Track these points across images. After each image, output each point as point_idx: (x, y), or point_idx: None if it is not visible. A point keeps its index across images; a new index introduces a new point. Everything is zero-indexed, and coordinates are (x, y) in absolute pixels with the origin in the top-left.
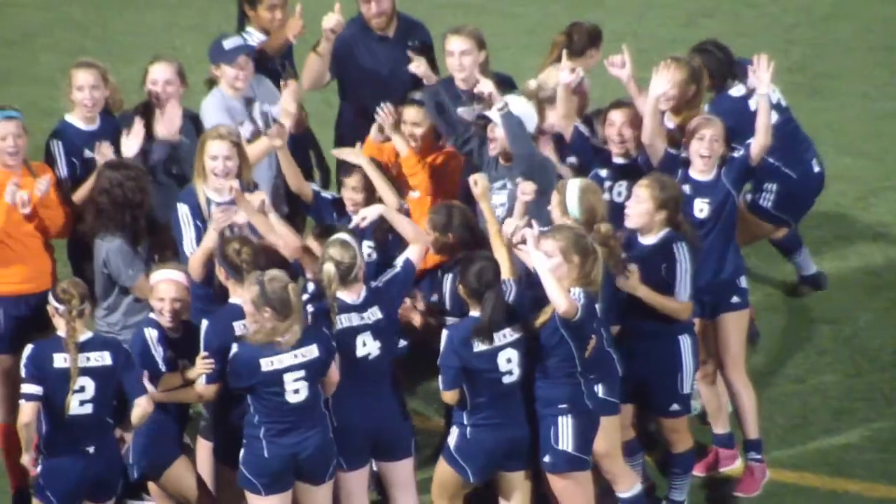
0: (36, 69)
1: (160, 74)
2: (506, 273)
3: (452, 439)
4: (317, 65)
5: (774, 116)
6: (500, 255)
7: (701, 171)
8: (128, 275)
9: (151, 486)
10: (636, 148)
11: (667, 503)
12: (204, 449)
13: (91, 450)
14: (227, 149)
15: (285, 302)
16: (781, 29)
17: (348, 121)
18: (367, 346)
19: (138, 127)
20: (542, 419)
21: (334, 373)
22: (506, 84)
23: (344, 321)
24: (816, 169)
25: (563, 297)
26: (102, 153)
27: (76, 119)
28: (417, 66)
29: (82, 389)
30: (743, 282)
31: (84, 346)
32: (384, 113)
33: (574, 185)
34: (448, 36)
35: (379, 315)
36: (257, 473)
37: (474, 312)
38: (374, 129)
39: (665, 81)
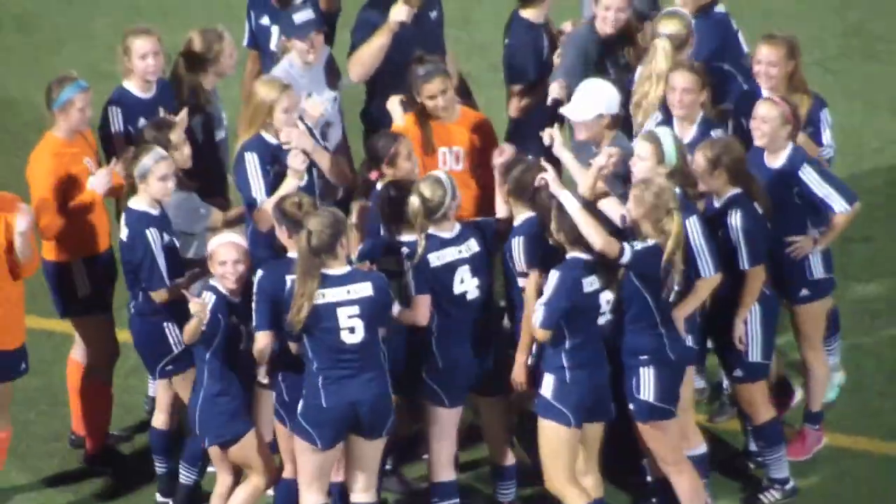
0: (92, 28)
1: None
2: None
3: (548, 389)
4: (374, 57)
5: None
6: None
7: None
8: (200, 214)
9: (212, 451)
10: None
11: (768, 483)
12: (263, 393)
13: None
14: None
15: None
16: None
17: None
18: (465, 284)
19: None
20: (626, 369)
21: (418, 313)
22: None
23: (440, 258)
24: None
25: (597, 235)
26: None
27: (134, 87)
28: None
29: None
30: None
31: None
32: None
33: (667, 133)
34: None
35: (477, 248)
36: (315, 423)
37: (575, 253)
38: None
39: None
